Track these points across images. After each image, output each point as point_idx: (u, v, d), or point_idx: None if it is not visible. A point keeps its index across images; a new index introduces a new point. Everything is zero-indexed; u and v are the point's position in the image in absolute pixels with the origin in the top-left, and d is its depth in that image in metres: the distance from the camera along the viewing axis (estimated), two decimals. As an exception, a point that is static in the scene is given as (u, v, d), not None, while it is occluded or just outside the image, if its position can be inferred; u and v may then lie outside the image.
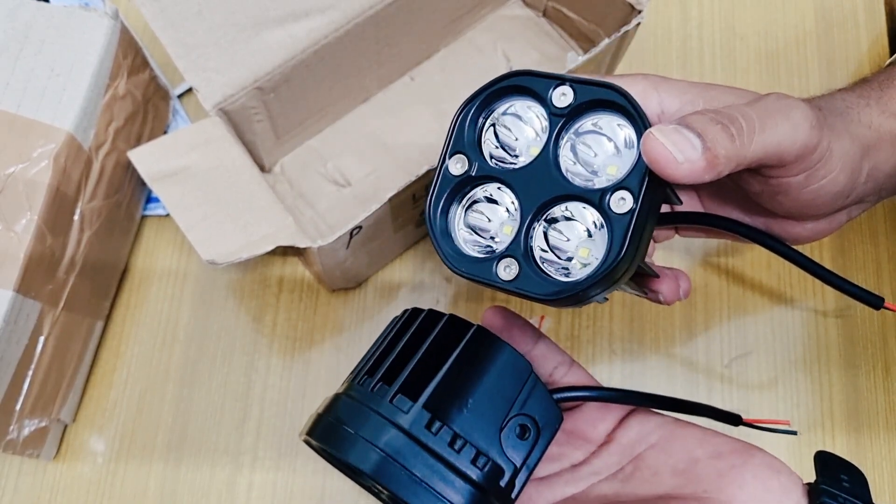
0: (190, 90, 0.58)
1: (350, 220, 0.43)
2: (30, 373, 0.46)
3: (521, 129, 0.35)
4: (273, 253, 0.47)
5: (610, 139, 0.33)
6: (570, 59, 0.50)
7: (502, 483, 0.32)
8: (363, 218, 0.43)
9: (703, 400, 0.50)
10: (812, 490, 0.31)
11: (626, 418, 0.36)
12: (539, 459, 0.33)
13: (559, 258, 0.33)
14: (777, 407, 0.50)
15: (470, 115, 0.35)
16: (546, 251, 0.33)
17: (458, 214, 0.35)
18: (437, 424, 0.31)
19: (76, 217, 0.47)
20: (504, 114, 0.35)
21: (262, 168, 0.55)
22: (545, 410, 0.34)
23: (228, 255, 0.42)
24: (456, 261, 0.34)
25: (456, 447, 0.31)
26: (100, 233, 0.49)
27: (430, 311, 0.36)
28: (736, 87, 0.34)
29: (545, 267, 0.33)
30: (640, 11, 0.48)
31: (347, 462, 0.31)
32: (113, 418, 0.51)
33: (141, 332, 0.53)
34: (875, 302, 0.43)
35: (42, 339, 0.46)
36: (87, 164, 0.47)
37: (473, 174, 0.34)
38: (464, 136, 0.35)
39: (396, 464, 0.30)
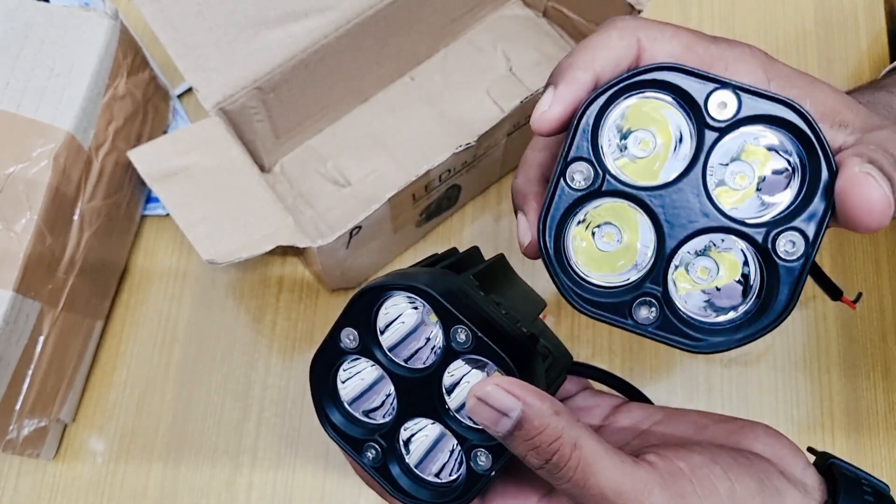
0: (190, 90, 0.58)
1: (350, 219, 0.43)
2: (29, 373, 0.46)
3: (655, 135, 0.28)
4: (273, 253, 0.47)
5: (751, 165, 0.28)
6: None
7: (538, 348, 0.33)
8: (363, 218, 0.43)
9: (703, 400, 0.50)
10: (821, 455, 0.32)
11: (621, 406, 0.36)
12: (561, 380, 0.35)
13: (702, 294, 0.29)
14: (777, 407, 0.50)
15: (596, 112, 0.28)
16: (690, 289, 0.29)
17: (574, 237, 0.30)
18: (479, 290, 0.32)
19: (76, 217, 0.47)
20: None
21: (262, 168, 0.55)
22: (558, 345, 0.36)
23: (228, 255, 0.42)
24: (581, 298, 0.29)
25: (500, 308, 0.32)
26: (100, 233, 0.49)
27: (452, 248, 0.38)
28: (839, 92, 0.31)
29: (685, 306, 0.29)
30: (639, 11, 0.48)
31: (414, 285, 0.30)
32: (113, 418, 0.51)
33: (140, 331, 0.53)
34: (834, 293, 0.44)
35: (42, 338, 0.46)
36: (87, 164, 0.47)
37: (602, 188, 0.28)
38: (587, 140, 0.28)
39: (456, 292, 0.30)
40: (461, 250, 0.38)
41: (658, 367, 0.52)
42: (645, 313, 0.28)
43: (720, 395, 0.51)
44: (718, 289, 0.29)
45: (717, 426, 0.32)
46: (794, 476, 0.30)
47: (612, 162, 0.29)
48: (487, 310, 0.31)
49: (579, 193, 0.28)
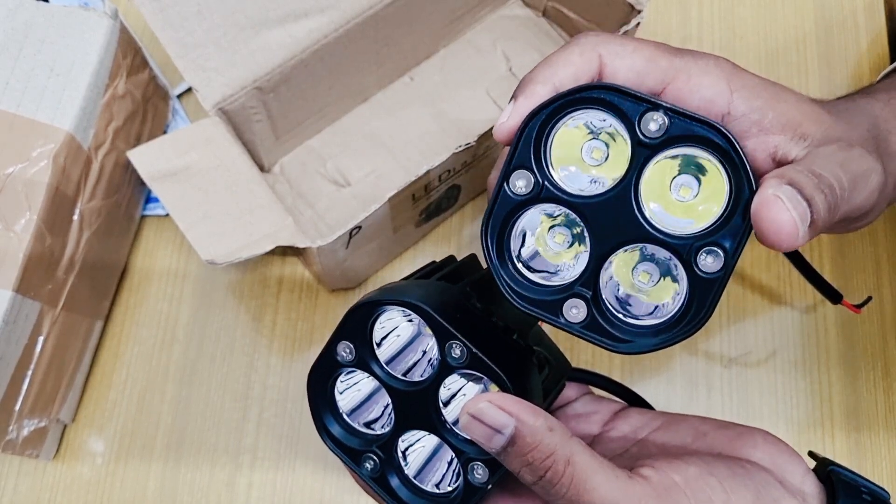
0: (190, 90, 0.58)
1: (349, 220, 0.43)
2: (29, 373, 0.46)
3: (608, 146, 0.30)
4: (273, 253, 0.47)
5: (697, 178, 0.29)
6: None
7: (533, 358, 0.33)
8: (363, 218, 0.43)
9: (703, 401, 0.50)
10: (820, 462, 0.32)
11: (621, 411, 0.36)
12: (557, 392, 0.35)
13: (628, 300, 0.31)
14: (777, 408, 0.50)
15: (538, 124, 0.30)
16: (618, 295, 0.31)
17: (517, 239, 0.32)
18: (475, 302, 0.32)
19: (75, 217, 0.47)
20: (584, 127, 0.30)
21: (261, 168, 0.55)
22: (556, 353, 0.36)
23: (228, 255, 0.42)
24: (517, 294, 0.31)
25: (496, 319, 0.32)
26: (99, 233, 0.49)
27: (450, 256, 0.38)
28: (806, 101, 0.31)
29: (613, 309, 0.30)
30: (639, 11, 0.48)
31: (408, 300, 0.30)
32: (112, 418, 0.51)
33: (140, 331, 0.53)
34: (835, 296, 0.45)
35: (41, 338, 0.46)
36: (87, 164, 0.47)
37: (540, 195, 0.30)
38: (530, 149, 0.30)
39: (450, 306, 0.30)
40: (460, 253, 0.38)
41: (658, 368, 0.52)
42: (574, 313, 0.30)
43: (720, 395, 0.51)
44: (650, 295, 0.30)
45: (716, 433, 0.32)
46: (793, 485, 0.30)
47: (553, 172, 0.30)
48: (482, 323, 0.31)
49: (520, 199, 0.30)
